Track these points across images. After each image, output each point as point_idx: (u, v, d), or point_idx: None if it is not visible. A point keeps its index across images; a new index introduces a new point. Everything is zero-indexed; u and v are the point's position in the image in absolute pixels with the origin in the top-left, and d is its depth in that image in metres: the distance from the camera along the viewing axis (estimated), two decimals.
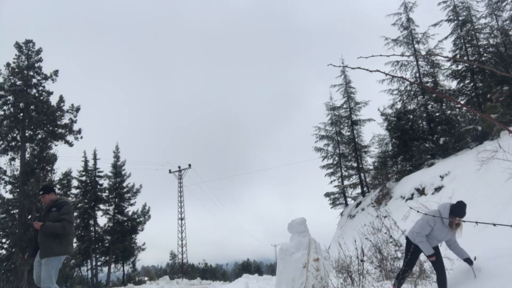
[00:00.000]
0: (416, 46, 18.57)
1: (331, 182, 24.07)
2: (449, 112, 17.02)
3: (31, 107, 19.75)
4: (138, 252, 30.16)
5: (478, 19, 17.30)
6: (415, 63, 18.41)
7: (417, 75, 18.25)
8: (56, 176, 19.75)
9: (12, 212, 18.89)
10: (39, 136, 19.99)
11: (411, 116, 17.86)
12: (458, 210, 4.73)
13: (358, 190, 22.78)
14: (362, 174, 22.05)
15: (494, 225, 2.29)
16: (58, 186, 19.67)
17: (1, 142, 19.25)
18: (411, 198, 12.70)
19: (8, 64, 20.17)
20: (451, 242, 4.96)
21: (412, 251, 4.97)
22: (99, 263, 28.48)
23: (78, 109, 21.26)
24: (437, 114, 17.21)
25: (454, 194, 8.26)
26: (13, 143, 19.48)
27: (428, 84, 17.87)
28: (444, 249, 5.96)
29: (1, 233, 18.62)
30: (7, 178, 19.16)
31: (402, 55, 2.21)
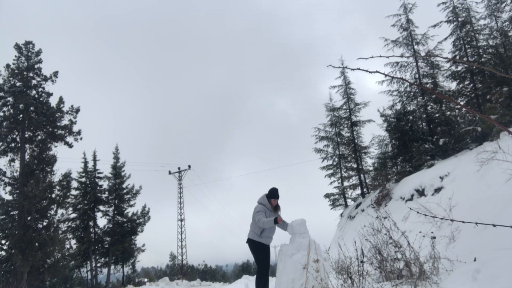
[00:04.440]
0: (415, 47, 18.57)
1: (331, 183, 24.08)
2: (448, 113, 17.01)
3: (31, 108, 19.74)
4: (137, 254, 30.16)
5: (478, 20, 17.31)
6: (414, 64, 18.42)
7: (417, 76, 18.26)
8: (56, 177, 19.72)
9: (11, 213, 18.86)
10: (39, 137, 19.98)
11: (411, 117, 17.86)
12: (272, 193, 6.02)
13: (358, 191, 22.78)
14: (362, 175, 22.04)
15: (494, 225, 2.30)
16: (57, 187, 19.65)
17: (1, 143, 19.22)
18: (411, 199, 12.69)
19: (7, 65, 20.15)
20: (281, 223, 5.99)
21: (259, 249, 5.86)
22: (98, 265, 28.44)
23: (77, 110, 21.26)
24: (437, 115, 17.20)
25: (453, 195, 8.26)
26: (13, 144, 19.46)
27: (427, 85, 17.87)
28: (444, 250, 5.96)
29: (0, 234, 18.58)
30: (6, 180, 19.13)
31: (402, 56, 2.23)
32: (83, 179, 28.97)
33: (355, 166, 22.69)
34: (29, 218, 18.20)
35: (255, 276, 6.59)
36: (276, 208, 6.19)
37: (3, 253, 18.51)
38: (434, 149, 16.07)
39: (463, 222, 2.47)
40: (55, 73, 21.11)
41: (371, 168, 22.97)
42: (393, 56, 1.98)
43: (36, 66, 20.75)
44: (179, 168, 41.39)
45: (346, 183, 23.20)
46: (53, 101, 20.83)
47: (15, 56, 20.51)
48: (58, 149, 24.05)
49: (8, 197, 19.06)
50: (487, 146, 9.07)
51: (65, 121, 20.81)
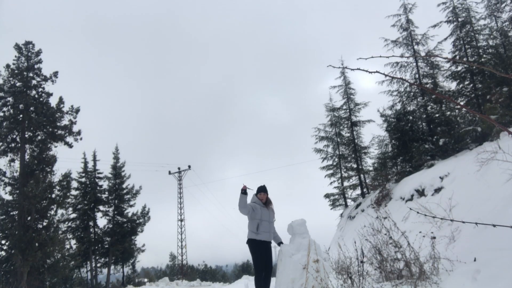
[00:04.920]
0: (415, 47, 18.58)
1: (330, 183, 24.09)
2: (448, 113, 17.01)
3: (31, 108, 19.75)
4: (137, 254, 30.16)
5: (478, 20, 17.30)
6: (414, 64, 18.42)
7: (417, 76, 18.26)
8: (56, 178, 19.72)
9: (11, 213, 18.86)
10: (39, 137, 19.98)
11: (411, 117, 17.86)
12: (258, 188, 6.15)
13: (358, 191, 22.78)
14: (362, 175, 22.04)
15: (494, 226, 2.30)
16: (57, 187, 19.65)
17: (1, 143, 19.23)
18: (411, 199, 12.69)
19: (7, 66, 20.16)
20: (271, 227, 6.07)
21: (258, 249, 5.84)
22: (98, 265, 28.44)
23: (77, 111, 21.27)
24: (437, 115, 17.20)
25: (453, 195, 8.26)
26: (13, 145, 19.47)
27: (427, 85, 17.87)
28: (444, 250, 5.96)
29: (0, 234, 18.58)
30: (6, 180, 19.14)
31: (402, 56, 2.22)
32: (83, 179, 28.96)
33: (355, 166, 22.69)
34: (29, 218, 18.19)
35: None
36: (267, 203, 6.17)
37: (3, 253, 18.53)
38: (434, 149, 16.07)
39: (463, 222, 2.47)
40: (55, 73, 21.12)
41: (371, 168, 22.96)
42: (393, 56, 1.98)
43: (36, 66, 20.76)
44: (179, 168, 41.43)
45: (346, 183, 23.20)
46: (53, 101, 20.89)
47: (15, 56, 20.53)
48: (58, 149, 24.04)
49: (8, 197, 19.10)
50: (487, 146, 9.07)
51: (65, 121, 20.85)
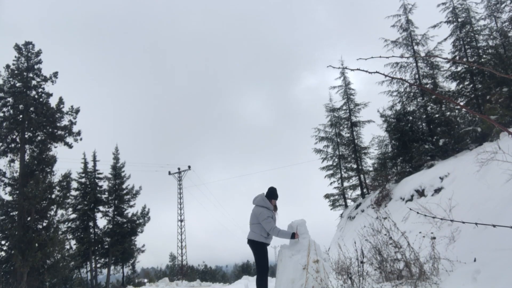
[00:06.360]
0: (415, 47, 18.59)
1: (330, 183, 24.11)
2: (448, 113, 17.02)
3: (31, 108, 19.75)
4: (137, 254, 30.14)
5: (478, 20, 17.31)
6: (414, 64, 18.43)
7: (417, 76, 18.27)
8: (56, 178, 19.72)
9: (11, 214, 18.86)
10: (39, 138, 19.98)
11: (411, 118, 17.86)
12: (273, 194, 5.98)
13: (358, 191, 22.79)
14: (361, 176, 22.04)
15: (494, 226, 2.30)
16: (57, 188, 19.64)
17: (1, 144, 19.22)
18: (411, 199, 12.69)
19: (7, 66, 20.17)
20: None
21: (263, 251, 5.79)
22: (98, 265, 28.42)
23: (77, 111, 21.27)
24: (437, 115, 17.21)
25: (453, 196, 8.26)
26: (13, 145, 19.46)
27: (427, 86, 17.87)
28: (444, 250, 5.96)
29: (0, 235, 18.58)
30: (6, 180, 19.14)
31: (402, 56, 2.23)
32: (83, 180, 28.94)
33: (355, 166, 22.70)
34: (29, 218, 18.19)
35: (255, 277, 6.52)
36: (274, 208, 6.13)
37: (3, 253, 18.52)
38: (434, 149, 16.07)
39: (463, 222, 2.47)
40: (55, 74, 21.13)
41: (371, 169, 22.98)
42: (393, 56, 1.99)
43: (36, 67, 20.76)
44: (179, 169, 41.44)
45: (346, 184, 23.21)
46: (53, 102, 20.89)
47: (15, 56, 20.53)
48: (58, 150, 24.01)
49: (8, 197, 19.10)
50: (487, 147, 9.07)
51: (65, 122, 20.85)
